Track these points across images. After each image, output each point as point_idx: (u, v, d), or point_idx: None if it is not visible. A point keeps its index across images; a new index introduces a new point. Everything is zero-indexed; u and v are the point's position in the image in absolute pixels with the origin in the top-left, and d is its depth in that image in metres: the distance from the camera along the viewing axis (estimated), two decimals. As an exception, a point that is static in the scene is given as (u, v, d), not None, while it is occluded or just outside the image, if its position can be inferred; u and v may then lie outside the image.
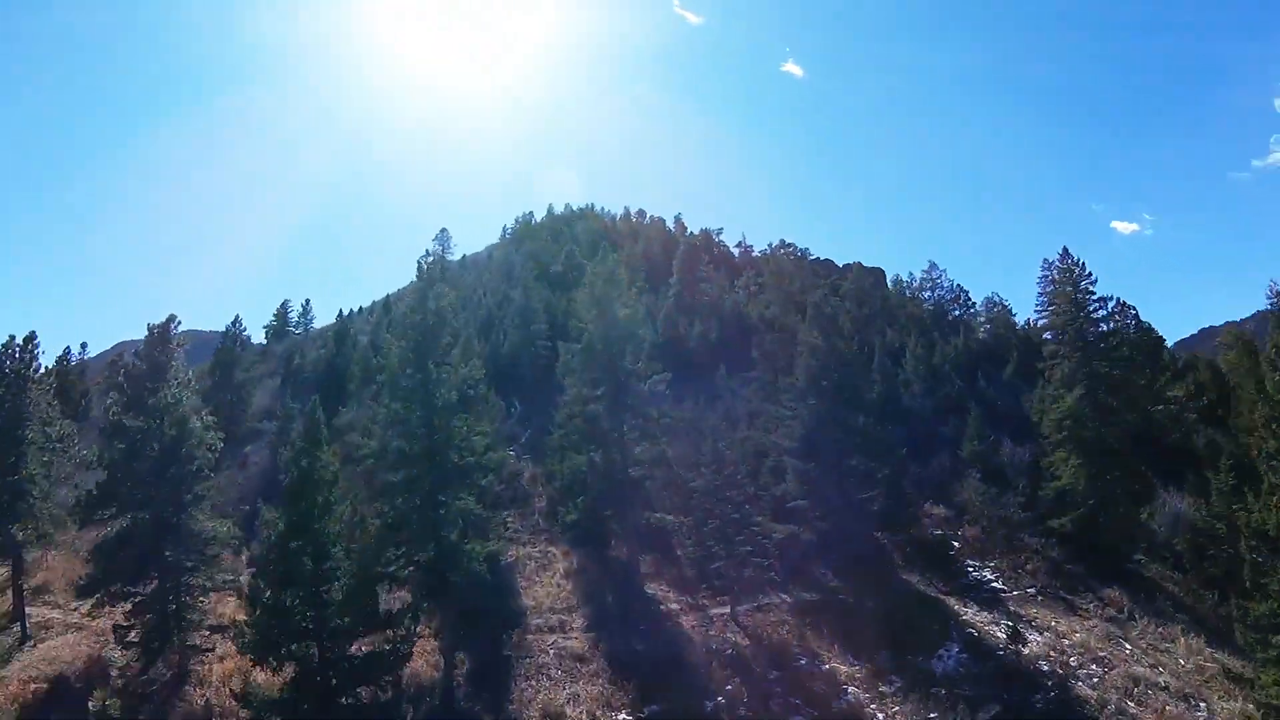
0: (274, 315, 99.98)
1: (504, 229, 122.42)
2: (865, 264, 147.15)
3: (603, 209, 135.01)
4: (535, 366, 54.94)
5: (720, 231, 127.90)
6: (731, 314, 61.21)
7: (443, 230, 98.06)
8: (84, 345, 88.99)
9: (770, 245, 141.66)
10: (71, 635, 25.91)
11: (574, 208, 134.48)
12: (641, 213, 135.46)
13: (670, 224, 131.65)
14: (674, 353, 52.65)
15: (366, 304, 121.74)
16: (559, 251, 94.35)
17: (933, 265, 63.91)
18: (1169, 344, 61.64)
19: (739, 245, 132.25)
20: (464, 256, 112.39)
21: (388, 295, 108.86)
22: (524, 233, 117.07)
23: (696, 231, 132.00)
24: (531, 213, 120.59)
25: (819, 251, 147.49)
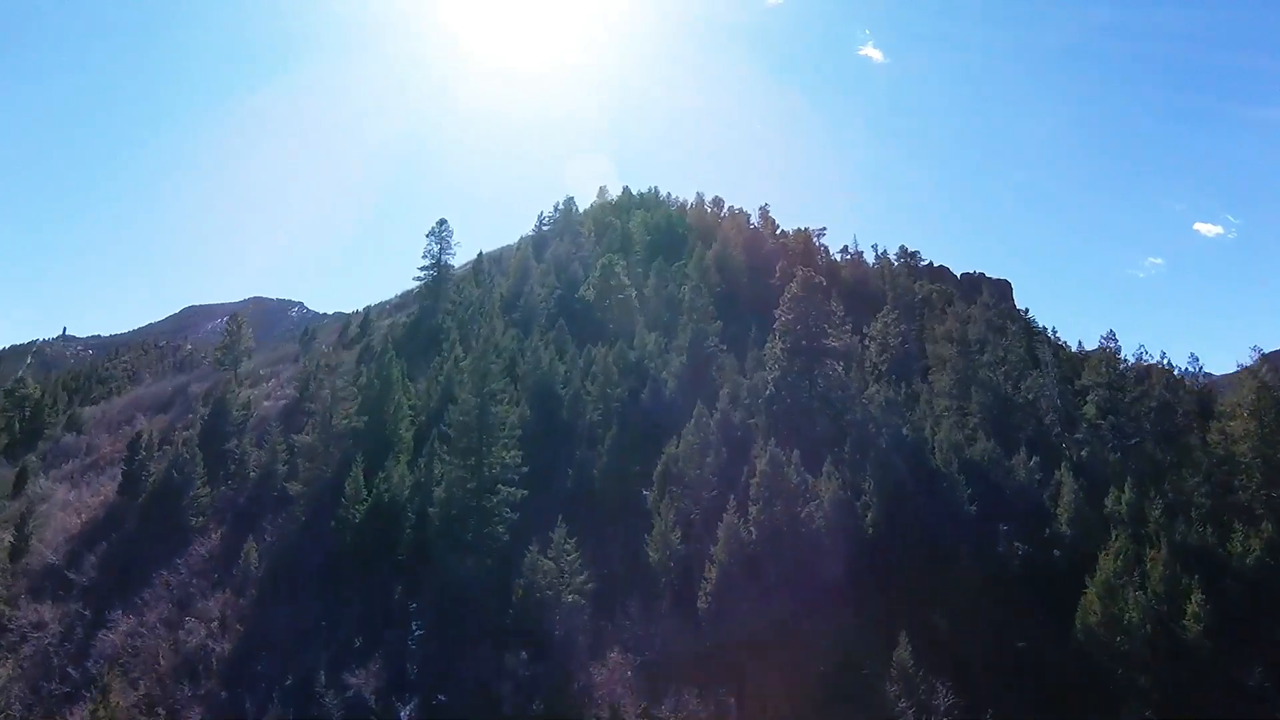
0: (225, 332, 75.55)
1: (540, 217, 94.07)
2: (964, 271, 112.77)
3: (669, 195, 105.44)
4: (470, 573, 27.21)
5: (822, 233, 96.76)
6: (895, 437, 31.45)
7: (441, 223, 70.91)
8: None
9: (879, 250, 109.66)
10: None
11: (633, 191, 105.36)
12: (718, 201, 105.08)
13: (755, 218, 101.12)
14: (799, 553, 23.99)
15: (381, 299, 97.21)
16: (597, 261, 66.15)
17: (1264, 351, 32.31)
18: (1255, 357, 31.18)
19: (846, 253, 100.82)
20: (480, 254, 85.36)
21: (368, 308, 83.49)
22: (562, 226, 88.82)
23: (789, 230, 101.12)
24: (571, 199, 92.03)
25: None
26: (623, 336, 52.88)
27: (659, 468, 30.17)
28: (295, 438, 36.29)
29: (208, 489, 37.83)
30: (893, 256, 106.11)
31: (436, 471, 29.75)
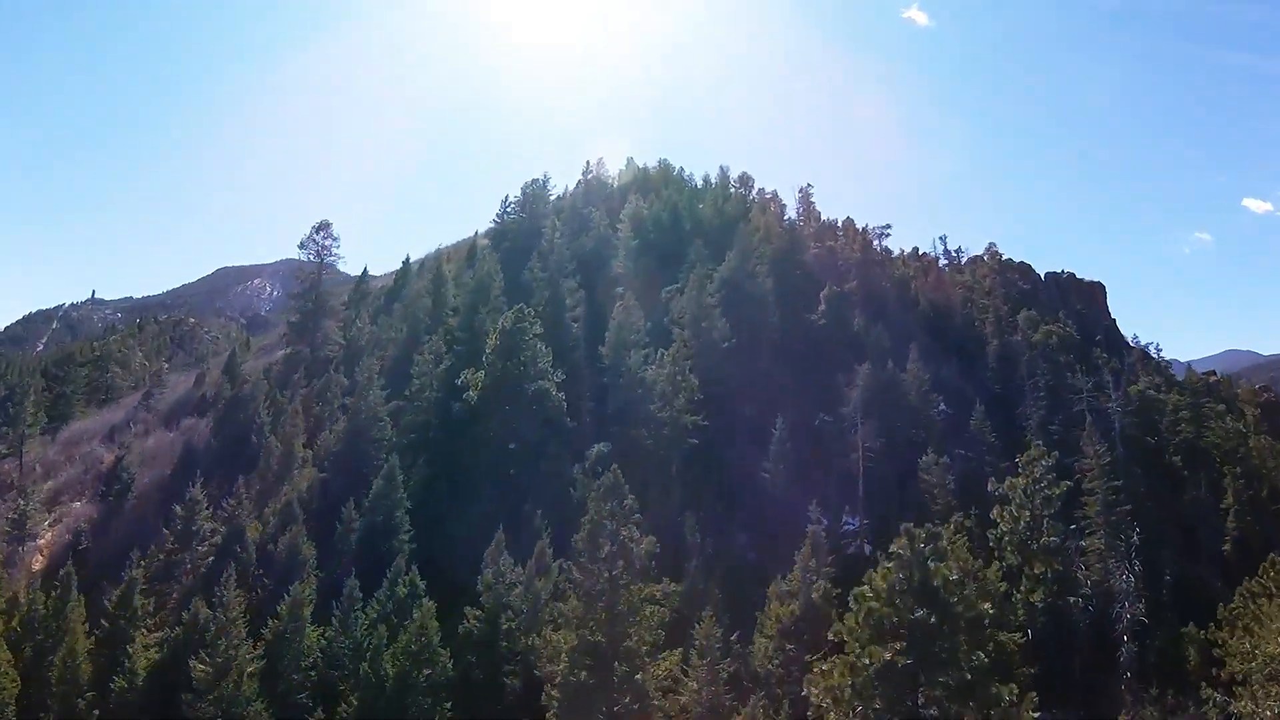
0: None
1: (503, 204, 70.06)
2: (1048, 270, 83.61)
3: (680, 170, 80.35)
4: None
5: (885, 233, 70.97)
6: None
7: (319, 228, 48.98)
8: None
9: (952, 250, 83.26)
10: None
11: (639, 165, 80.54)
12: (747, 180, 79.62)
13: (792, 208, 75.52)
14: None
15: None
16: (547, 303, 42.61)
17: None
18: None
19: (916, 256, 74.74)
20: (407, 261, 63.20)
21: (236, 345, 62.62)
22: (526, 220, 65.09)
23: (833, 220, 75.26)
24: (543, 181, 67.92)
25: (966, 237, 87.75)
26: (511, 497, 29.79)
27: None
28: None
29: None
30: (966, 254, 79.78)
31: None
